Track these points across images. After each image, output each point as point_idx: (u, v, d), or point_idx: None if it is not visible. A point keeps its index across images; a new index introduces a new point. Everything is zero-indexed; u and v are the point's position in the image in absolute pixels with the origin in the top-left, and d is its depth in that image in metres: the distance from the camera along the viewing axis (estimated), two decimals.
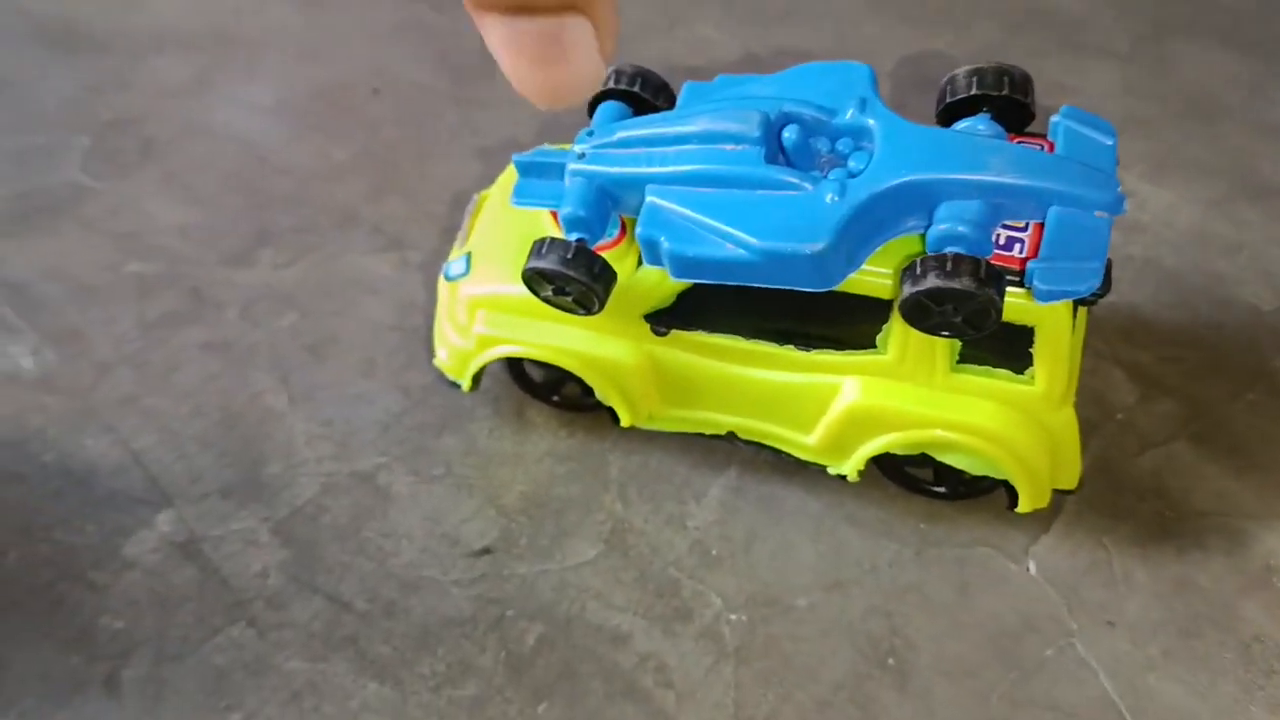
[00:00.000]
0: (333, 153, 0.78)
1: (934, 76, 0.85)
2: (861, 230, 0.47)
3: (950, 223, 0.46)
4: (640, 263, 0.57)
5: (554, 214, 0.60)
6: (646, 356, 0.58)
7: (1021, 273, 0.50)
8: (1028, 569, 0.58)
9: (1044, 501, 0.57)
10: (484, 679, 0.55)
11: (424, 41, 0.88)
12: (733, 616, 0.57)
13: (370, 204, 0.75)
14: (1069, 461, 0.57)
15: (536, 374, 0.63)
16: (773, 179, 0.47)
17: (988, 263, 0.46)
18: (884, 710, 0.53)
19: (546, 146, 0.55)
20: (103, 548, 0.59)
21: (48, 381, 0.65)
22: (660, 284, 0.55)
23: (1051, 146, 0.50)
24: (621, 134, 0.50)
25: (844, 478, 0.59)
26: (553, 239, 0.51)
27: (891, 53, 0.87)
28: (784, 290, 0.53)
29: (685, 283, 0.55)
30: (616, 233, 0.58)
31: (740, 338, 0.56)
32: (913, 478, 0.60)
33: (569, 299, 0.53)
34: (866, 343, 0.54)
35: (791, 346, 0.56)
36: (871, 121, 0.48)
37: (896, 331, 0.53)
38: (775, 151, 0.48)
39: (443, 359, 0.63)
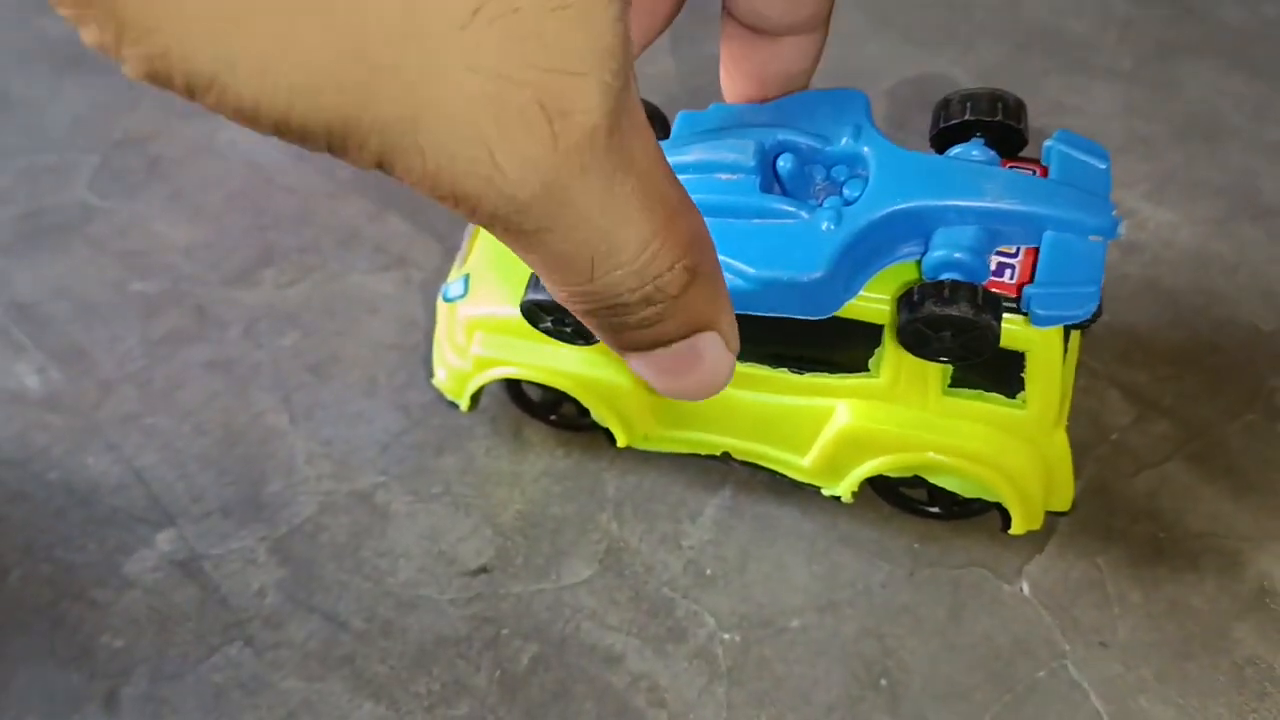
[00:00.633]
0: (337, 172, 0.79)
1: (936, 97, 0.85)
2: (858, 257, 0.47)
3: (946, 249, 0.46)
4: None
5: None
6: (643, 379, 0.58)
7: (1016, 299, 0.51)
8: (1021, 590, 0.58)
9: (1037, 523, 0.57)
10: (478, 699, 0.55)
11: None
12: (726, 637, 0.57)
13: (373, 223, 0.76)
14: (1062, 484, 0.57)
15: (534, 393, 0.64)
16: (769, 208, 0.47)
17: (985, 289, 0.46)
18: None
19: None
20: (104, 566, 0.59)
21: (52, 400, 0.66)
22: None
23: (1045, 171, 0.51)
24: None
25: (838, 499, 0.59)
26: None
27: (894, 72, 0.88)
28: (780, 316, 0.54)
29: None
30: None
31: (735, 360, 0.56)
32: (907, 498, 0.60)
33: (568, 330, 0.53)
34: (859, 366, 0.55)
35: (785, 369, 0.56)
36: (866, 149, 0.48)
37: (889, 355, 0.54)
38: (770, 180, 0.49)
39: (441, 379, 0.63)
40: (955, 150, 0.50)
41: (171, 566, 0.59)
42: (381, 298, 0.71)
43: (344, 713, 0.54)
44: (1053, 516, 0.59)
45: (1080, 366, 0.61)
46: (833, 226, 0.46)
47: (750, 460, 0.61)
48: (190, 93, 0.23)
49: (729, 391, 0.58)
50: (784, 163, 0.49)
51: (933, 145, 0.52)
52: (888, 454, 0.56)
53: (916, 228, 0.47)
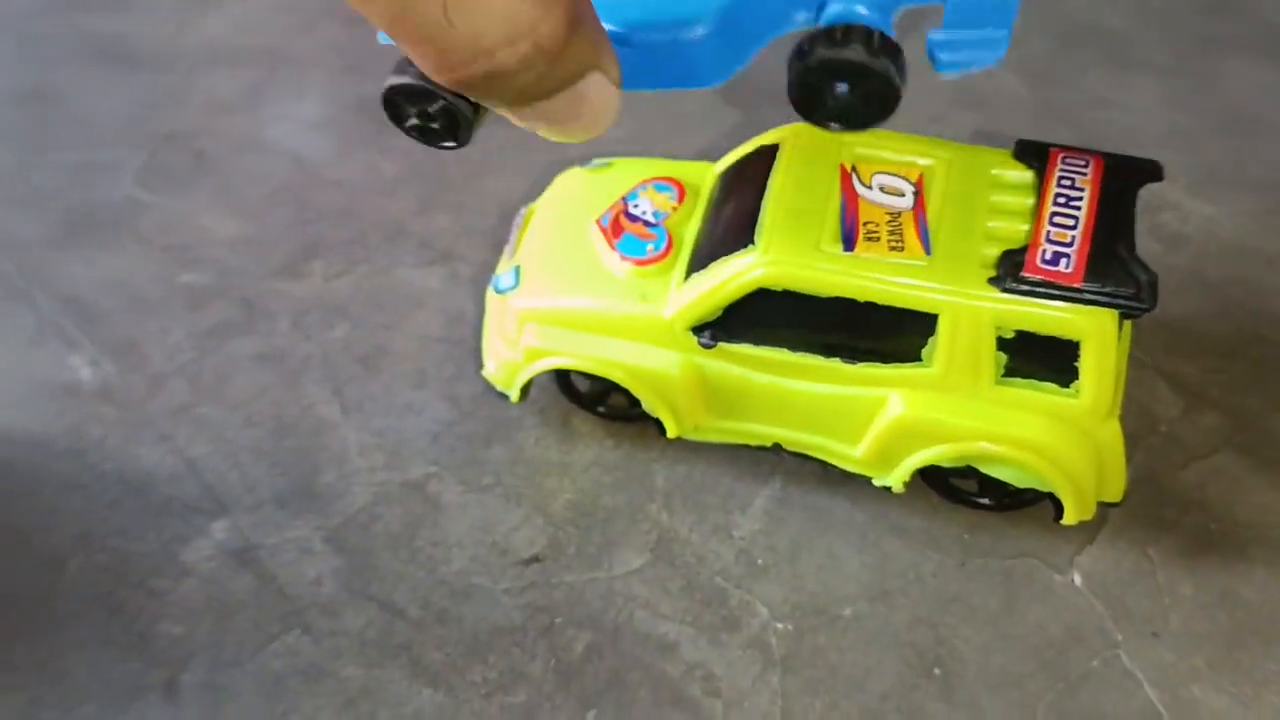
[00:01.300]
0: (383, 167, 0.80)
1: (979, 91, 0.85)
2: (748, 19, 0.42)
3: (845, 3, 0.41)
4: (687, 275, 0.58)
5: (601, 227, 0.61)
6: (693, 369, 0.59)
7: (1077, 289, 0.51)
8: (1073, 580, 0.58)
9: (1089, 514, 0.57)
10: (534, 686, 0.55)
11: None
12: (779, 626, 0.57)
13: (419, 218, 0.76)
14: (1114, 474, 0.57)
15: (583, 384, 0.64)
16: None
17: (882, 34, 0.41)
18: None
19: None
20: (161, 555, 0.60)
21: (106, 392, 0.67)
22: (709, 297, 0.56)
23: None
24: None
25: (889, 489, 0.60)
26: None
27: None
28: (832, 303, 0.53)
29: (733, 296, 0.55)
30: (664, 247, 0.59)
31: (787, 350, 0.57)
32: (957, 489, 0.60)
33: (435, 126, 0.44)
34: (912, 356, 0.55)
35: (838, 359, 0.56)
36: None
37: (942, 345, 0.54)
38: None
39: (491, 370, 0.64)
40: None
41: (227, 556, 0.60)
42: (428, 292, 0.72)
43: (403, 699, 0.55)
44: (1104, 508, 0.59)
45: (1130, 357, 0.61)
46: None
47: (801, 451, 0.61)
48: None
49: (780, 381, 0.58)
50: None
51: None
52: (941, 444, 0.56)
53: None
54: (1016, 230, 0.54)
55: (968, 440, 0.55)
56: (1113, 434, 0.56)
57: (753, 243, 0.55)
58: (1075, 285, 0.51)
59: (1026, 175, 0.56)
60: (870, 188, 0.56)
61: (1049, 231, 0.53)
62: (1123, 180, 0.55)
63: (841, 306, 0.54)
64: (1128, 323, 0.57)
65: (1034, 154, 0.56)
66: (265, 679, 0.56)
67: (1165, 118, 0.83)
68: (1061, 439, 0.55)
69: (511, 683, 0.56)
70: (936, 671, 0.56)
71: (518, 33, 0.31)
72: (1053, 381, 0.54)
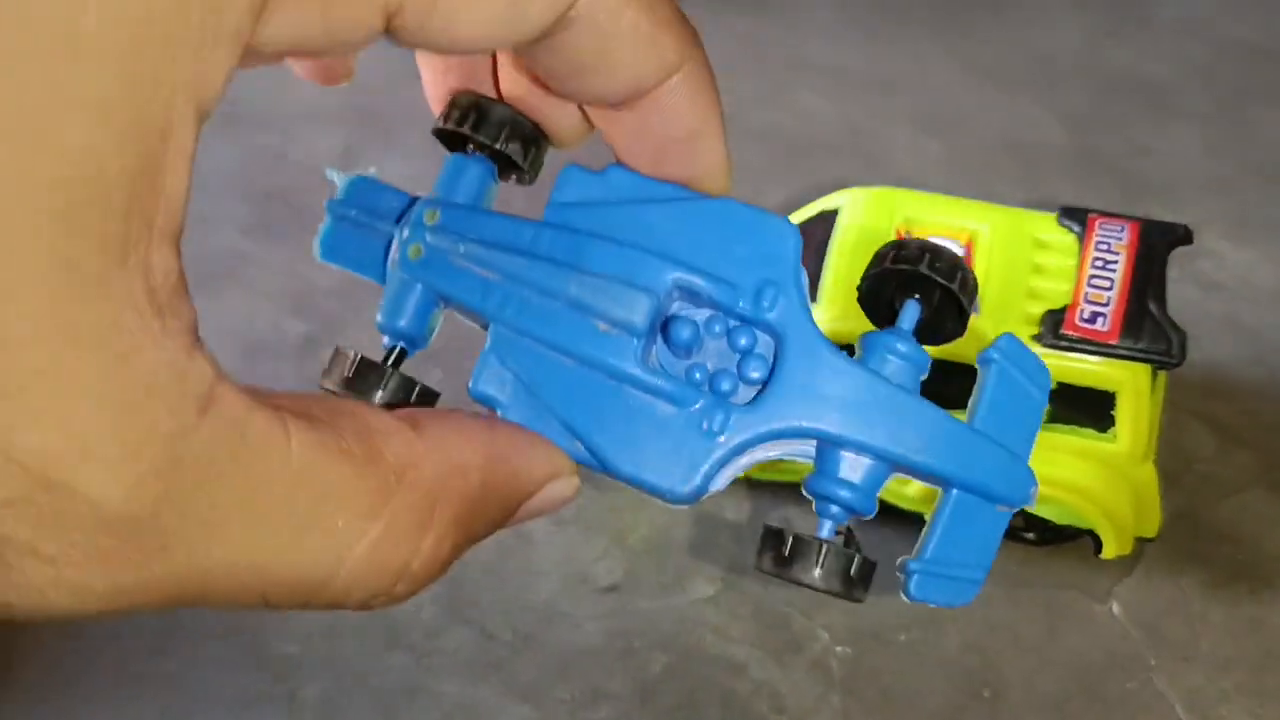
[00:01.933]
0: None
1: (1022, 142, 0.90)
2: (732, 460, 0.37)
3: (843, 487, 0.36)
4: None
5: None
6: None
7: (1104, 345, 0.56)
8: (1111, 609, 0.63)
9: (1127, 548, 0.62)
10: (616, 703, 0.61)
11: None
12: (839, 649, 0.62)
13: None
14: (1150, 511, 0.62)
15: None
16: (643, 382, 0.37)
17: (863, 559, 0.36)
18: None
19: (371, 182, 0.41)
20: None
21: None
22: None
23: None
24: (473, 242, 0.38)
25: None
26: (362, 357, 0.40)
27: (984, 117, 0.93)
28: None
29: None
30: None
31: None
32: None
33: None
34: (961, 403, 0.60)
35: None
36: (782, 327, 0.37)
37: None
38: (655, 340, 0.38)
39: None
40: (879, 339, 0.38)
41: None
42: None
43: (495, 713, 0.61)
44: (1141, 542, 0.64)
45: (1166, 401, 0.65)
46: (715, 431, 0.36)
47: None
48: None
49: None
50: (681, 329, 0.38)
51: (861, 292, 0.41)
52: None
53: (808, 440, 0.38)
54: (1058, 290, 0.59)
55: None
56: (1148, 475, 0.61)
57: (815, 301, 0.61)
58: (1111, 342, 0.56)
59: (1068, 238, 0.61)
60: None
61: (1087, 292, 0.58)
62: (1156, 243, 0.60)
63: None
64: (1163, 372, 0.62)
65: (1075, 218, 0.62)
66: (373, 694, 0.62)
67: (1204, 166, 0.88)
68: (1101, 480, 0.60)
69: (595, 700, 0.61)
70: (985, 693, 0.61)
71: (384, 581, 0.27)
72: (1092, 428, 0.59)
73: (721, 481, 0.36)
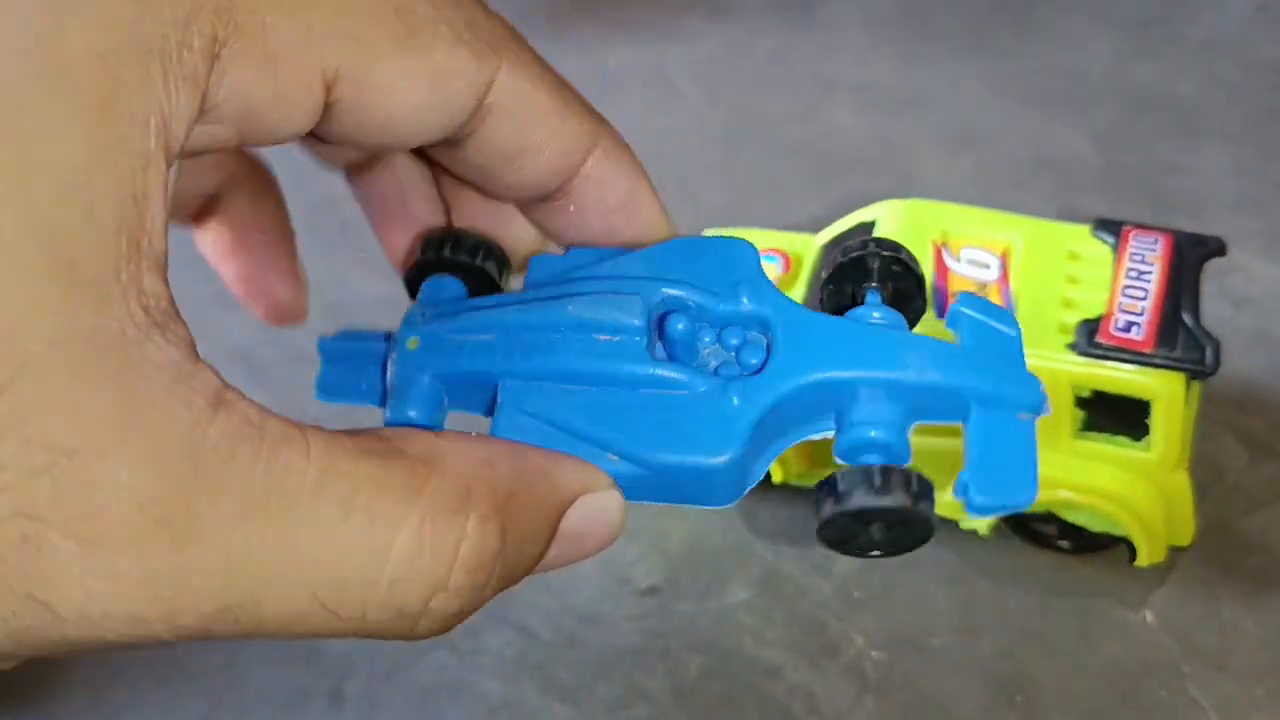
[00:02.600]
0: None
1: (1054, 159, 0.91)
2: (765, 436, 0.40)
3: (865, 427, 0.39)
4: None
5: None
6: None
7: (1139, 354, 0.57)
8: (1145, 618, 0.64)
9: (1161, 556, 0.63)
10: (654, 704, 0.62)
11: None
12: (874, 654, 0.63)
13: None
14: (1184, 520, 0.63)
15: None
16: (659, 377, 0.38)
17: (919, 476, 0.39)
18: None
19: (354, 329, 0.48)
20: None
21: None
22: None
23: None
24: (465, 315, 0.41)
25: (976, 532, 0.66)
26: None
27: (1013, 134, 0.94)
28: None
29: None
30: None
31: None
32: (1039, 533, 0.66)
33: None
34: None
35: None
36: (768, 310, 0.40)
37: None
38: (656, 343, 0.40)
39: None
40: (856, 312, 0.41)
41: None
42: None
43: (536, 712, 0.62)
44: (1174, 551, 0.65)
45: (1199, 414, 0.66)
46: (740, 401, 0.38)
47: None
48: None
49: None
50: (677, 323, 0.40)
51: (822, 291, 0.43)
52: None
53: (829, 401, 0.40)
54: (1092, 300, 0.60)
55: (1050, 488, 0.61)
56: (1182, 483, 0.61)
57: None
58: (1146, 351, 0.57)
59: (1103, 250, 0.62)
60: (959, 261, 0.63)
61: (1122, 302, 0.59)
62: (1189, 255, 0.61)
63: None
64: (1197, 383, 0.63)
65: (1109, 230, 0.63)
66: (415, 691, 0.63)
67: (1234, 184, 0.89)
68: (1135, 488, 0.61)
69: (634, 700, 0.62)
70: (1018, 699, 0.61)
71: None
72: (1127, 436, 0.60)
73: (760, 467, 0.40)
